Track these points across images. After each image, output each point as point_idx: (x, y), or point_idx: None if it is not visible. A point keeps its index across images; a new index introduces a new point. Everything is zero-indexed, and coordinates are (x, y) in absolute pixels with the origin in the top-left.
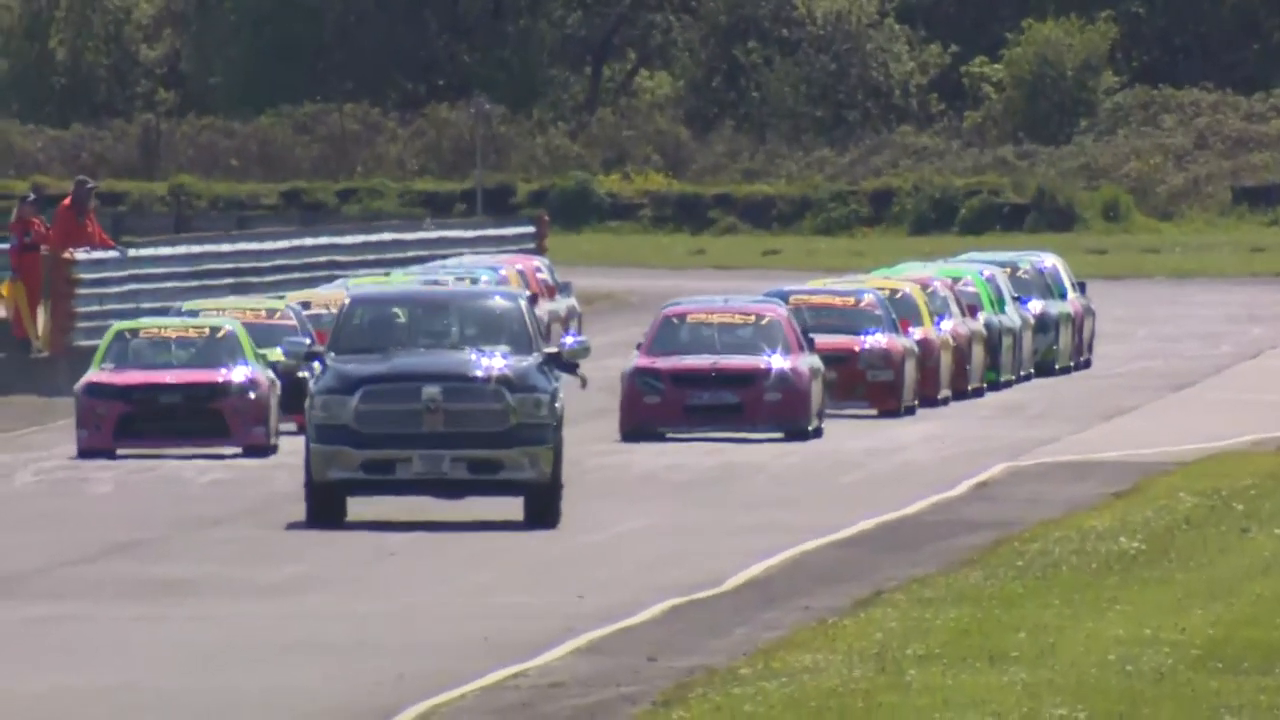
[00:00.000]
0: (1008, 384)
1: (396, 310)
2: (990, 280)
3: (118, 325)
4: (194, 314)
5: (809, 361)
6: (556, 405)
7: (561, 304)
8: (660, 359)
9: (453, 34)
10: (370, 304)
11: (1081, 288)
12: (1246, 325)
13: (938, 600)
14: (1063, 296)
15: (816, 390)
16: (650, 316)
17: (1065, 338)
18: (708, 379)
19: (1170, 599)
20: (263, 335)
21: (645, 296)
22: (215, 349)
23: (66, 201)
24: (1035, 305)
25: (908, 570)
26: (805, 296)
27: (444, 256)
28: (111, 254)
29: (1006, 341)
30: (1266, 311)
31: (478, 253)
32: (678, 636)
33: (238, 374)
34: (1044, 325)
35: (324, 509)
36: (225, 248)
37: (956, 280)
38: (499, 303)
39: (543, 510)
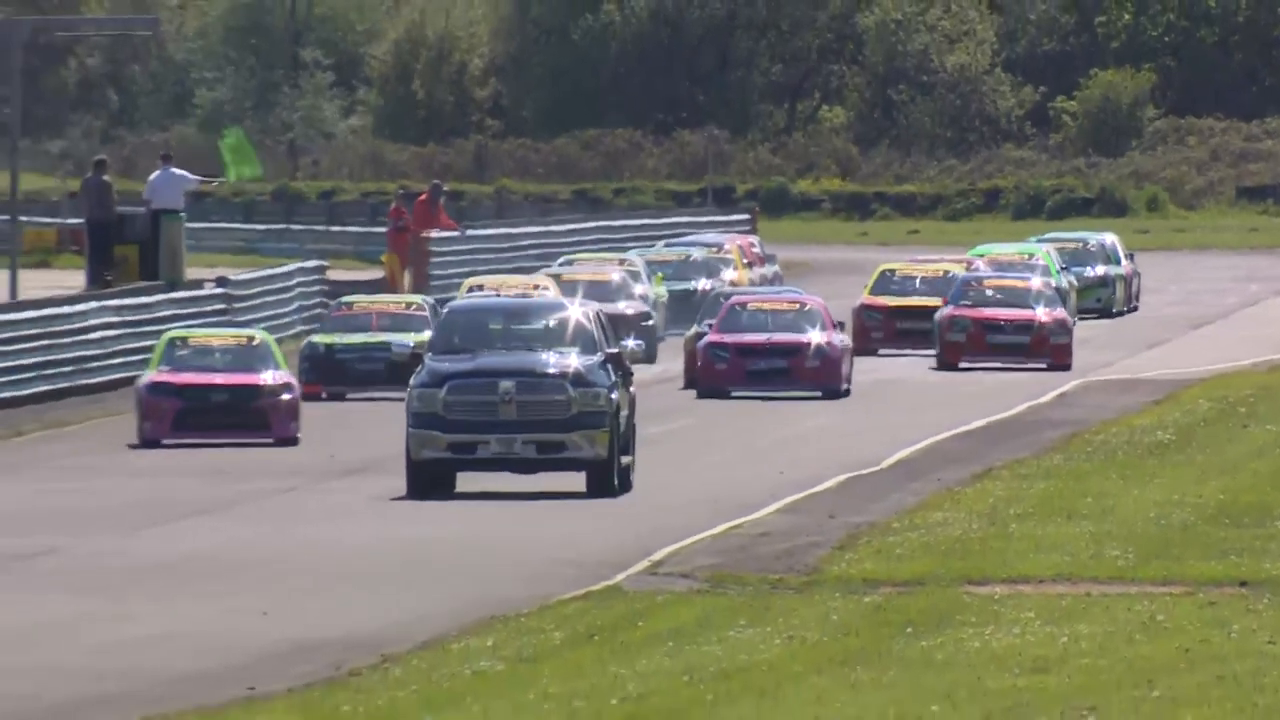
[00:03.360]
0: None
1: (486, 317)
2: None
3: (169, 334)
4: (348, 305)
5: (841, 338)
6: (614, 396)
7: (769, 269)
8: (727, 335)
9: (692, 80)
10: (463, 313)
11: (1131, 257)
12: (1246, 283)
13: (1031, 475)
14: (1118, 263)
15: (847, 361)
16: (827, 278)
17: (1119, 291)
18: (764, 350)
19: (1192, 474)
20: (400, 324)
21: (825, 264)
22: (251, 355)
23: (423, 197)
24: (1099, 269)
25: (1010, 454)
26: (993, 279)
27: (685, 234)
28: (454, 234)
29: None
30: (1261, 274)
31: (710, 232)
32: (849, 501)
33: (275, 378)
34: (1104, 282)
35: (421, 483)
36: (532, 229)
37: (1031, 256)
38: (571, 312)
39: (601, 483)
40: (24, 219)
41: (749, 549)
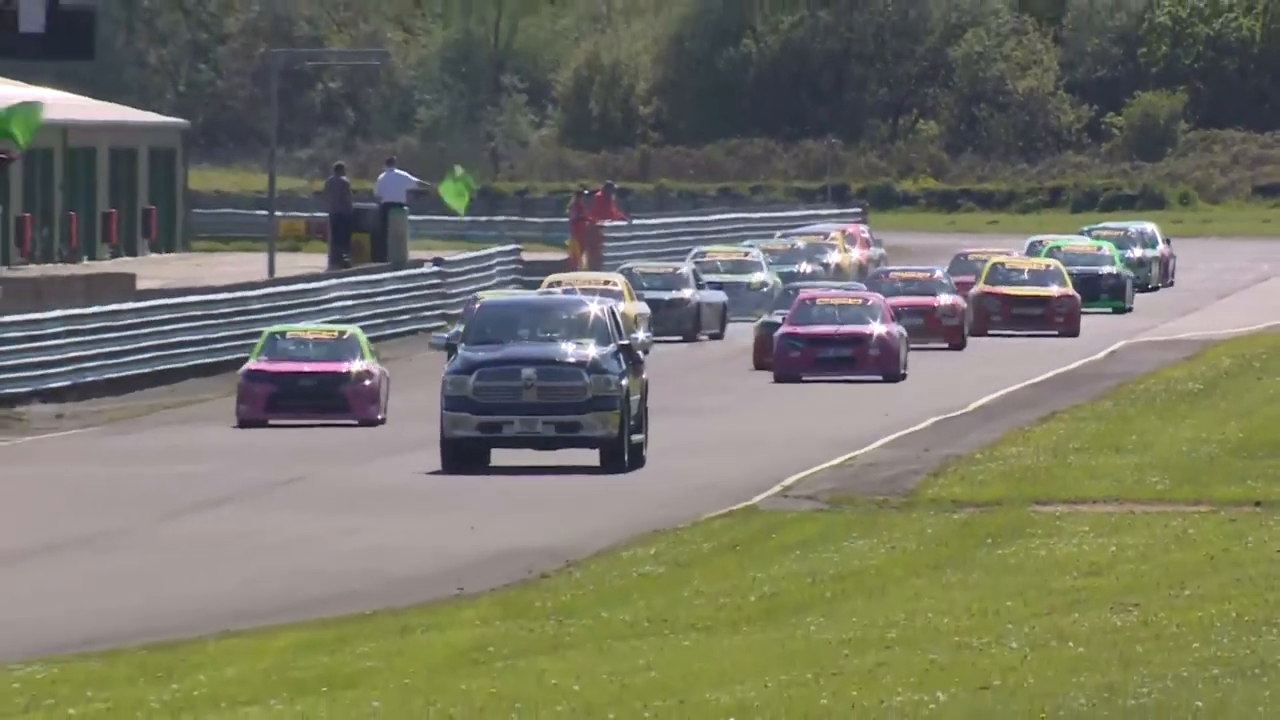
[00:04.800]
0: (1128, 309)
1: (514, 313)
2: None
3: (270, 330)
4: (475, 299)
5: (898, 329)
6: (624, 382)
7: (876, 251)
8: (800, 328)
9: (815, 99)
10: (493, 308)
11: (1168, 241)
12: (1260, 264)
13: (1087, 418)
14: (1153, 247)
15: (903, 349)
16: (922, 259)
17: (1154, 270)
18: (832, 340)
19: (1217, 416)
20: None
21: (922, 248)
22: (341, 347)
23: (599, 194)
24: (1137, 252)
25: (1070, 400)
26: (900, 273)
27: (807, 224)
28: (623, 223)
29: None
30: (1272, 257)
31: (827, 223)
32: (940, 437)
33: (357, 366)
34: (1141, 263)
35: (454, 459)
36: (685, 219)
37: (1100, 248)
38: (588, 308)
39: (613, 458)
40: (279, 213)
41: (860, 476)
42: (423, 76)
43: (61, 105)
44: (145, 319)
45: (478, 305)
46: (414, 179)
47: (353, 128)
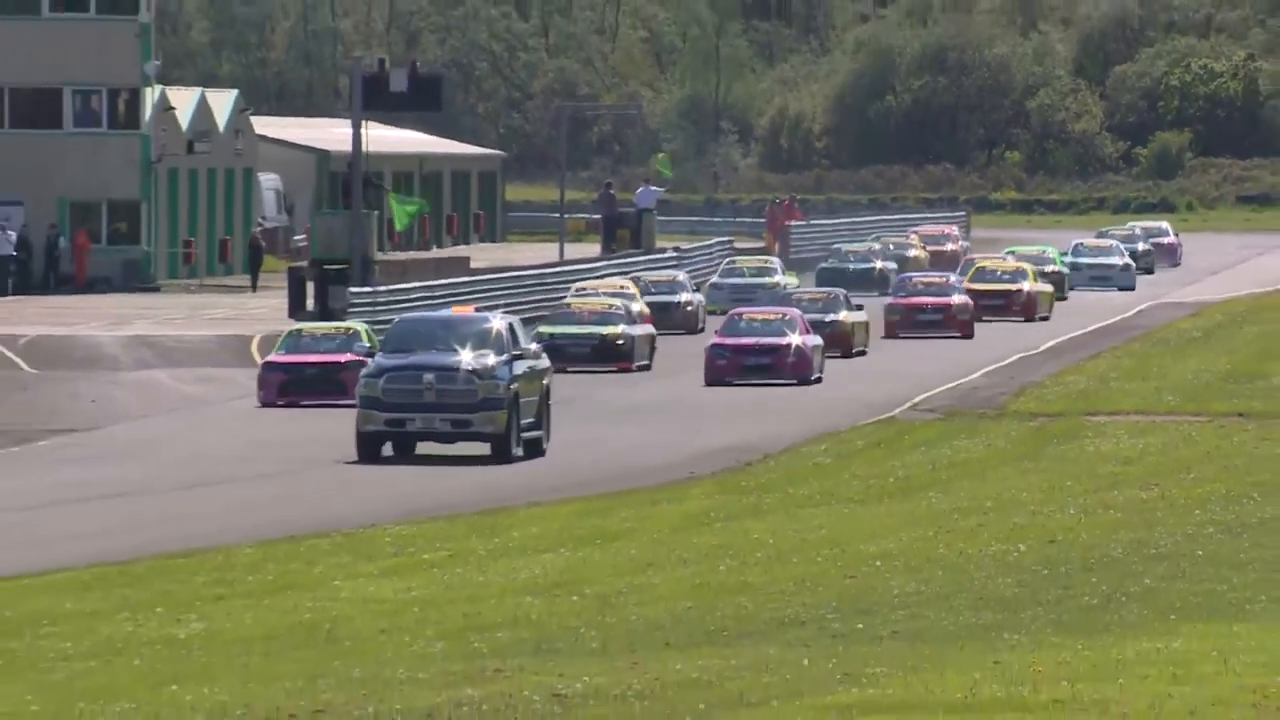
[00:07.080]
0: (1064, 299)
1: (427, 327)
2: (1065, 252)
3: (291, 328)
4: (568, 305)
5: (813, 340)
6: (513, 387)
7: (963, 245)
8: (728, 339)
9: (934, 136)
10: (408, 322)
11: (1177, 234)
12: (1241, 250)
13: (1124, 356)
14: (1150, 240)
15: (817, 356)
16: (1006, 245)
17: (1153, 258)
18: (754, 349)
19: (1217, 353)
20: (604, 319)
21: (1005, 239)
22: (348, 340)
23: (786, 202)
24: (1141, 245)
25: (1112, 343)
26: (921, 278)
27: (921, 224)
28: (802, 223)
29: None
30: (1250, 245)
31: (940, 224)
32: (1019, 370)
33: (355, 355)
34: (1146, 254)
35: (365, 450)
36: (846, 220)
37: (1044, 251)
38: (487, 324)
39: (501, 451)
40: (568, 215)
41: (965, 396)
42: (665, 121)
43: (418, 142)
44: (476, 288)
45: (396, 321)
46: (661, 191)
47: (617, 156)
